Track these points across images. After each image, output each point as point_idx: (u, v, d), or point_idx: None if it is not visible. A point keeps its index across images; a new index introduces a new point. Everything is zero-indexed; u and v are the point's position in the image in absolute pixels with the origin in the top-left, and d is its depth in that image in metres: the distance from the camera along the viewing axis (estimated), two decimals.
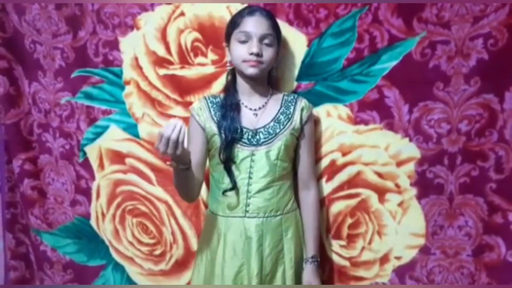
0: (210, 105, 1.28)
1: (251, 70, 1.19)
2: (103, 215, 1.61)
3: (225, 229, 1.26)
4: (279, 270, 1.26)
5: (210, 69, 1.41)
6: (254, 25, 1.18)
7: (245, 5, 1.32)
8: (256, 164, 1.23)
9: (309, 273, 1.28)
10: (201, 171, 1.30)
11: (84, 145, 1.57)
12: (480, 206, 1.32)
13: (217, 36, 1.37)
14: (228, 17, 1.34)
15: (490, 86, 1.25)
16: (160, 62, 1.44)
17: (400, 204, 1.37)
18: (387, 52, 1.28)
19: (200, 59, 1.41)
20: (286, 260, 1.27)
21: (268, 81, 1.30)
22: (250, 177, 1.24)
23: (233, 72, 1.28)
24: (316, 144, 1.37)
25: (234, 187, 1.23)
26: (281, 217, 1.27)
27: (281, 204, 1.27)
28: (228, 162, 1.23)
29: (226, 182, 1.25)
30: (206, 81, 1.42)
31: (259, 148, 1.23)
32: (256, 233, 1.23)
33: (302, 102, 1.28)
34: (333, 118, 1.37)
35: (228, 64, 1.28)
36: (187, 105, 1.45)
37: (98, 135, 1.55)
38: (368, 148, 1.36)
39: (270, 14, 1.22)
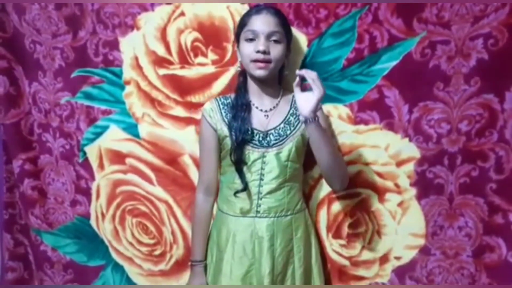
0: (221, 106, 1.28)
1: (258, 72, 1.18)
2: (103, 215, 1.61)
3: (235, 229, 1.26)
4: (289, 269, 1.27)
5: (210, 69, 1.41)
6: (261, 23, 1.17)
7: (245, 5, 1.32)
8: (267, 166, 1.23)
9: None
10: (217, 171, 1.32)
11: (84, 145, 1.57)
12: (480, 206, 1.32)
13: (217, 36, 1.38)
14: (228, 17, 1.35)
15: (490, 86, 1.25)
16: (160, 62, 1.44)
17: (400, 204, 1.37)
18: (387, 52, 1.28)
19: (200, 59, 1.41)
20: (296, 259, 1.27)
21: (279, 80, 1.30)
22: (261, 179, 1.24)
23: (245, 73, 1.28)
24: None
25: (246, 188, 1.23)
26: (291, 217, 1.27)
27: (292, 204, 1.27)
28: (239, 163, 1.23)
29: (238, 183, 1.25)
30: (206, 81, 1.42)
31: (269, 149, 1.23)
32: (267, 233, 1.24)
33: None
34: (333, 118, 1.36)
35: (238, 65, 1.27)
36: (187, 105, 1.45)
37: (98, 135, 1.55)
38: (368, 148, 1.36)
39: (278, 12, 1.20)
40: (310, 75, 1.07)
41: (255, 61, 1.17)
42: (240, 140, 1.21)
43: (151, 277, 1.61)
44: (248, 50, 1.18)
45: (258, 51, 1.16)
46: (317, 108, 1.09)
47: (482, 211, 1.32)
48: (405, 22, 1.25)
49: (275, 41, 1.17)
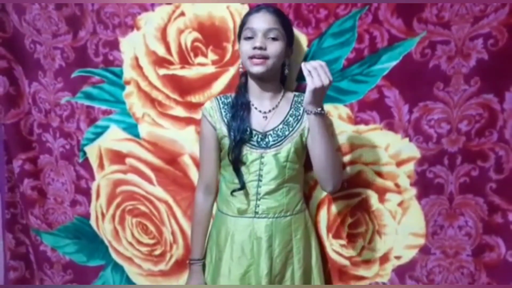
0: (221, 106, 1.28)
1: (255, 69, 1.18)
2: (103, 215, 1.61)
3: (234, 229, 1.26)
4: (288, 270, 1.27)
5: (210, 69, 1.41)
6: (259, 20, 1.17)
7: (245, 5, 1.33)
8: (266, 167, 1.23)
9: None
10: (217, 170, 1.32)
11: (84, 145, 1.57)
12: (480, 206, 1.32)
13: (217, 36, 1.38)
14: (228, 17, 1.35)
15: (490, 86, 1.25)
16: (160, 62, 1.44)
17: (400, 204, 1.38)
18: (387, 52, 1.28)
19: (200, 59, 1.41)
20: (295, 260, 1.27)
21: (281, 80, 1.29)
22: (259, 180, 1.24)
23: (246, 74, 1.27)
24: None
25: (243, 187, 1.23)
26: (291, 218, 1.27)
27: (291, 205, 1.26)
28: (237, 163, 1.23)
29: (237, 183, 1.25)
30: (206, 81, 1.42)
31: (268, 150, 1.23)
32: (265, 234, 1.24)
33: None
34: (333, 118, 1.37)
35: (240, 65, 1.27)
36: (187, 105, 1.45)
37: (98, 135, 1.55)
38: (368, 148, 1.36)
39: (277, 11, 1.20)
40: (307, 67, 1.06)
41: (252, 57, 1.17)
42: (238, 139, 1.21)
43: (151, 277, 1.61)
44: (246, 47, 1.18)
45: (254, 47, 1.16)
46: (313, 100, 1.08)
47: (482, 210, 1.32)
48: (405, 22, 1.26)
49: (273, 38, 1.17)
